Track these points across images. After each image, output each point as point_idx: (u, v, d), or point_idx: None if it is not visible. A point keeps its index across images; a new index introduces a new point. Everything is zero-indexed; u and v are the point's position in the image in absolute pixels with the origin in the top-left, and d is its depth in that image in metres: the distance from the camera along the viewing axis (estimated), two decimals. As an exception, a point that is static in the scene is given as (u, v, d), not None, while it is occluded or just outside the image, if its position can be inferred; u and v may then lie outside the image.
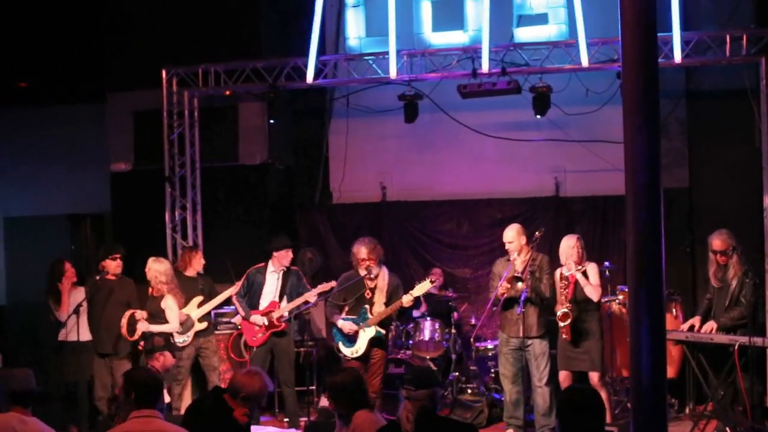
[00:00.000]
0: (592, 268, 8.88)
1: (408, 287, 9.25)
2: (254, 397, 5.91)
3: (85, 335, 9.62)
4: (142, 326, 9.28)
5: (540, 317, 8.91)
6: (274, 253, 9.72)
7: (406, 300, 9.01)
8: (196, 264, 10.34)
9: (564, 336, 8.70)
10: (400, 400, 5.75)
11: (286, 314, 9.57)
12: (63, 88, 12.83)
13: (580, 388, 5.34)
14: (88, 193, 13.08)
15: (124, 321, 9.34)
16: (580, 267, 8.75)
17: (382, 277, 9.23)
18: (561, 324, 8.67)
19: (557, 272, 8.95)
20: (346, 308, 9.30)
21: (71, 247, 13.06)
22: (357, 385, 6.09)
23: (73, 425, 9.81)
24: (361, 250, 9.17)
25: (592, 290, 8.72)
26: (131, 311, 9.42)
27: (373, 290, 9.21)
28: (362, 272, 9.14)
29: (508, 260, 8.99)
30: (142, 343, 9.43)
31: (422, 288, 9.09)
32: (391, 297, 9.16)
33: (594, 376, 8.74)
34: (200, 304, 10.04)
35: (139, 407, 5.46)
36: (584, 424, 4.91)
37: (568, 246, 8.88)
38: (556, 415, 5.11)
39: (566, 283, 8.71)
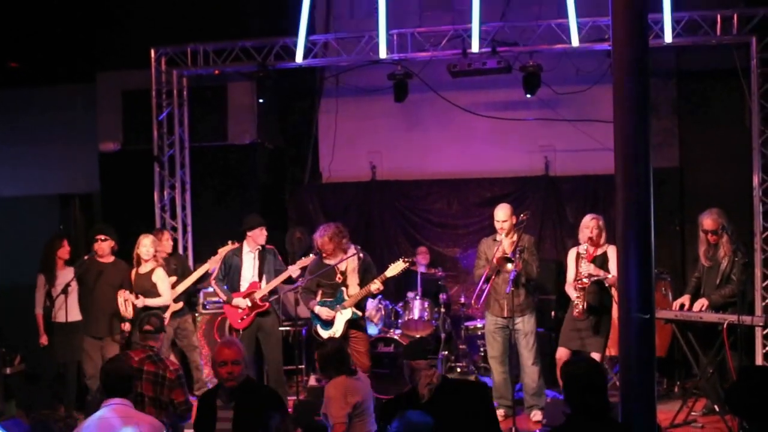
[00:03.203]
0: (612, 251, 8.61)
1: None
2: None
3: (73, 316, 9.59)
4: (139, 302, 9.34)
5: (527, 296, 8.90)
6: (248, 233, 9.60)
7: (374, 288, 8.96)
8: (166, 245, 10.30)
9: (576, 312, 8.61)
10: (415, 371, 5.97)
11: (268, 293, 9.51)
12: (52, 68, 12.76)
13: (585, 363, 5.33)
14: (77, 172, 13.05)
15: (121, 300, 9.37)
16: (585, 257, 8.64)
17: (352, 258, 9.18)
18: (575, 295, 8.62)
19: (573, 250, 8.94)
20: (320, 292, 9.27)
21: (60, 226, 13.01)
22: (336, 354, 6.94)
23: (61, 404, 9.81)
24: (320, 241, 9.09)
25: (606, 278, 8.64)
26: (123, 291, 9.43)
27: (344, 273, 9.17)
28: (332, 261, 9.11)
29: (495, 240, 8.97)
30: (125, 324, 9.43)
31: (395, 269, 8.99)
32: (364, 276, 9.13)
33: (596, 357, 8.59)
34: (174, 285, 10.01)
35: (111, 397, 5.76)
36: (590, 397, 4.93)
37: (584, 225, 8.82)
38: (562, 389, 5.13)
39: (583, 259, 8.63)
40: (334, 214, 11.76)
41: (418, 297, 10.39)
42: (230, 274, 9.63)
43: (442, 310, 10.57)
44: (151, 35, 11.68)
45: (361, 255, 9.24)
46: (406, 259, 9.14)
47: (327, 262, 9.13)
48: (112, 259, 9.73)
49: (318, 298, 9.22)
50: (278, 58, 11.20)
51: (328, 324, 9.11)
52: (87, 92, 12.68)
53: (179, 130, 11.87)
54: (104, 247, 9.64)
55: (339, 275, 9.15)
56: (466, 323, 10.63)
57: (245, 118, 12.13)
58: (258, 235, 9.58)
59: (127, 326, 9.42)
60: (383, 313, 10.40)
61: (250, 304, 9.46)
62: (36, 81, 13.04)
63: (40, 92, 13.21)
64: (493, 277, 8.81)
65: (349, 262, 9.12)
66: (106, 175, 12.49)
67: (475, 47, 10.40)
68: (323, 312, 9.10)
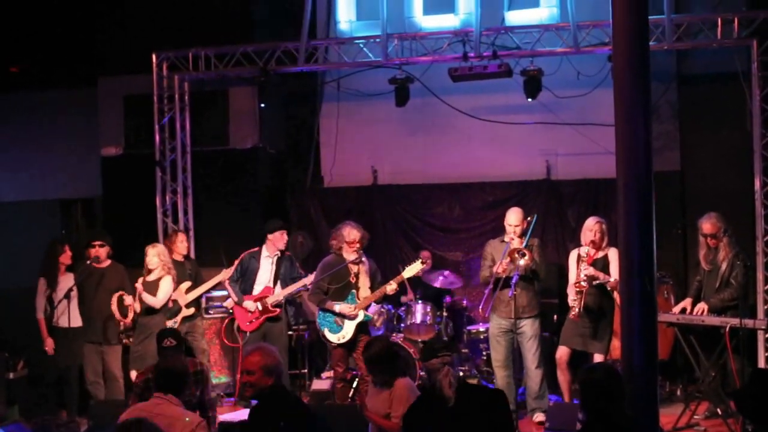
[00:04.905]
0: (614, 253, 8.58)
1: (398, 271, 9.25)
2: None
3: (75, 321, 9.59)
4: (137, 300, 9.44)
5: (532, 299, 8.90)
6: (269, 236, 9.66)
7: (390, 289, 9.04)
8: (180, 247, 10.32)
9: (571, 315, 8.62)
10: (431, 372, 5.95)
11: (281, 299, 9.53)
12: (54, 73, 12.78)
13: (602, 370, 5.32)
14: (79, 177, 13.07)
15: (114, 306, 9.39)
16: (586, 262, 8.63)
17: (365, 262, 9.22)
18: (572, 298, 8.61)
19: (574, 252, 8.94)
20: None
21: (62, 231, 13.02)
22: (390, 352, 6.87)
23: (63, 409, 9.81)
24: (353, 233, 9.12)
25: (607, 282, 8.64)
26: (120, 293, 9.45)
27: (357, 275, 9.19)
28: (350, 256, 9.09)
29: (503, 241, 8.96)
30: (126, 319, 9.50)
31: (412, 270, 9.06)
32: (374, 281, 9.16)
33: (598, 359, 8.65)
34: (188, 290, 10.03)
35: (161, 391, 5.77)
36: (607, 405, 4.92)
37: (586, 227, 8.84)
38: (578, 394, 5.12)
39: (583, 261, 8.63)
40: (335, 218, 11.72)
41: (420, 301, 10.39)
42: (246, 276, 9.66)
43: (445, 313, 10.55)
44: (153, 40, 11.68)
45: (370, 261, 9.34)
46: (423, 261, 9.21)
47: (345, 255, 9.12)
48: (108, 262, 9.76)
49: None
50: (279, 63, 11.20)
51: (337, 326, 9.10)
52: (88, 97, 12.67)
53: (181, 134, 11.87)
54: (101, 253, 9.67)
55: (353, 276, 9.16)
56: (469, 327, 10.63)
57: (247, 122, 12.12)
58: (278, 239, 9.64)
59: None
60: (386, 317, 10.39)
61: (260, 308, 9.48)
62: (37, 85, 13.07)
63: (42, 97, 13.21)
64: (501, 282, 8.75)
65: (362, 265, 9.16)
66: (108, 179, 12.49)
67: (475, 51, 10.41)
68: (345, 308, 9.07)
